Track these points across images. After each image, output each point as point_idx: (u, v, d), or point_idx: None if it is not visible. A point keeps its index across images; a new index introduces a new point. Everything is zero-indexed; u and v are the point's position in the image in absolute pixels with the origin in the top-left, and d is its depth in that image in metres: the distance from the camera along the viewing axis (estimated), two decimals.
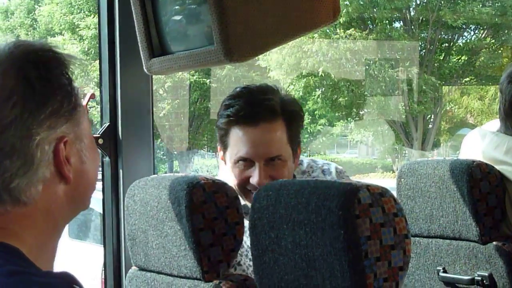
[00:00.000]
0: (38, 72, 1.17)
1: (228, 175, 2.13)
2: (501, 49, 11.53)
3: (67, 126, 1.19)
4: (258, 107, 2.05)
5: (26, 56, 1.18)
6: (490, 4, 10.93)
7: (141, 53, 2.00)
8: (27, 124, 1.14)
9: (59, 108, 1.17)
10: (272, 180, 1.99)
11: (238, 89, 2.13)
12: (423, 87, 11.56)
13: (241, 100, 2.06)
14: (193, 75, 12.22)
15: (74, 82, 1.21)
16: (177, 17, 1.92)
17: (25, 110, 1.14)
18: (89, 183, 1.27)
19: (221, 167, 2.25)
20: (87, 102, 2.03)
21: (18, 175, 1.13)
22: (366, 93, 11.50)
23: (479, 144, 2.42)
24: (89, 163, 1.25)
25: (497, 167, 2.25)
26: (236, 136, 2.08)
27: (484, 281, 2.19)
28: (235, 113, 2.04)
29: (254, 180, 2.04)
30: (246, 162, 2.06)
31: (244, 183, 2.09)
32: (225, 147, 2.12)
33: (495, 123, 2.47)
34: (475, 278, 2.20)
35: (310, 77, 11.19)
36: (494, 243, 2.19)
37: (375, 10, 11.01)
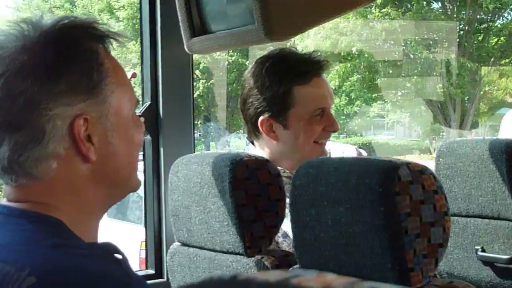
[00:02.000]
0: (55, 48, 1.15)
1: (290, 138, 2.07)
2: None
3: (88, 104, 1.16)
4: (320, 61, 2.06)
5: (51, 32, 1.16)
6: None
7: (182, 32, 2.04)
8: (37, 98, 1.12)
9: (77, 84, 1.15)
10: None
11: (273, 55, 2.08)
12: (456, 74, 11.38)
13: (295, 60, 2.05)
14: (231, 56, 12.11)
15: (106, 59, 1.18)
16: (219, 0, 1.95)
17: (35, 84, 1.12)
18: (120, 165, 1.23)
19: (250, 145, 2.22)
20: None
21: (27, 148, 1.12)
22: (403, 74, 11.19)
23: None
24: (120, 143, 1.21)
25: None
26: (305, 91, 2.05)
27: None
28: (303, 70, 2.03)
29: (333, 126, 2.07)
30: (321, 112, 2.05)
31: (320, 135, 2.08)
32: (287, 108, 2.05)
33: None
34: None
35: (346, 63, 10.96)
36: None
37: None
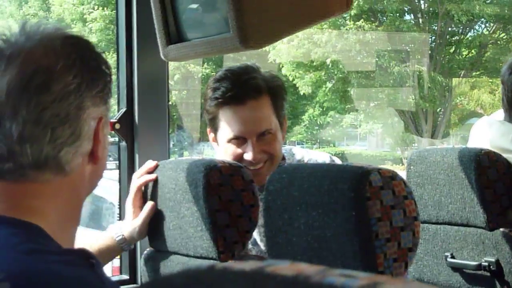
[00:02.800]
0: (90, 54, 1.23)
1: (221, 156, 2.18)
2: (510, 43, 11.60)
3: (104, 109, 1.24)
4: (244, 87, 2.10)
5: (77, 39, 1.24)
6: (494, 0, 11.02)
7: (158, 40, 2.05)
8: (83, 96, 1.18)
9: (103, 89, 1.23)
10: (265, 154, 2.12)
11: (221, 72, 2.18)
12: (429, 85, 11.72)
13: (227, 82, 2.11)
14: (205, 68, 12.33)
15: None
16: (194, 5, 1.95)
17: (83, 82, 1.18)
18: (103, 169, 1.30)
19: (216, 150, 2.29)
20: None
21: (67, 143, 1.17)
22: (375, 85, 11.56)
23: (486, 132, 2.44)
24: (107, 149, 1.29)
25: (504, 155, 2.27)
26: (226, 116, 2.13)
27: (491, 267, 2.20)
28: (222, 95, 2.09)
29: (248, 156, 2.10)
30: (239, 140, 2.10)
31: (238, 160, 2.13)
32: (215, 129, 2.17)
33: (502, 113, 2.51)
34: (482, 263, 2.22)
35: (320, 71, 11.24)
36: (501, 229, 2.21)
37: (385, 2, 10.96)
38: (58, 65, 1.19)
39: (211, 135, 2.23)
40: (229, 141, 2.13)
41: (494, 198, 2.21)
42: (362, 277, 0.46)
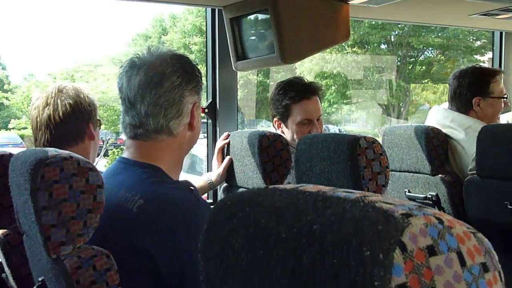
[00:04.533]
0: (188, 63, 1.44)
1: (290, 135, 2.40)
2: (447, 62, 15.63)
3: (197, 98, 1.45)
4: (309, 88, 2.37)
5: (179, 56, 1.45)
6: (439, 35, 14.71)
7: (231, 57, 2.42)
8: (183, 89, 1.40)
9: (196, 85, 1.43)
10: (319, 130, 2.40)
11: (284, 82, 2.40)
12: (395, 89, 15.13)
13: (296, 87, 2.36)
14: (259, 77, 15.28)
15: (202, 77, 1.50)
16: (253, 37, 2.28)
17: (183, 81, 1.40)
18: (198, 136, 1.49)
19: (277, 131, 2.46)
20: None
21: (174, 117, 1.39)
22: (363, 88, 15.71)
23: (435, 115, 2.76)
24: (200, 123, 1.49)
25: (444, 130, 2.58)
26: (299, 107, 2.36)
27: (433, 198, 2.54)
28: (296, 94, 2.35)
29: (315, 131, 2.37)
30: (307, 121, 2.37)
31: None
32: (287, 117, 2.39)
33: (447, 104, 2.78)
34: (427, 196, 2.57)
35: (328, 79, 14.90)
36: (440, 175, 2.50)
37: (370, 36, 14.72)
38: (168, 70, 1.38)
39: (277, 123, 2.43)
40: (300, 123, 2.36)
41: (435, 156, 2.50)
42: (357, 192, 0.55)
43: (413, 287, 0.46)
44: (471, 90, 2.68)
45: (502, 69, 3.62)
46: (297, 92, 2.36)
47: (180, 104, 1.39)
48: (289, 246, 0.53)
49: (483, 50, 15.63)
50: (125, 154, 1.43)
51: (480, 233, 0.53)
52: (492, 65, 3.76)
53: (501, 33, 3.59)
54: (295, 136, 2.39)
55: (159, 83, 1.36)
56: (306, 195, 0.57)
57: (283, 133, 2.42)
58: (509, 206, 2.29)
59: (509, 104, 2.84)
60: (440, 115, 2.73)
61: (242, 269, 0.59)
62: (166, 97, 1.36)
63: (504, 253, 2.41)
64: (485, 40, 15.32)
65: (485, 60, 14.91)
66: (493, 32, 3.63)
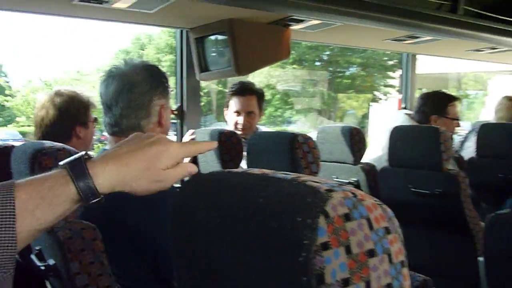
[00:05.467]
0: (158, 73, 1.40)
1: (230, 125, 2.46)
2: (367, 77, 16.09)
3: (164, 100, 1.40)
4: (245, 87, 2.47)
5: (149, 66, 1.41)
6: (361, 55, 15.11)
7: (195, 70, 2.45)
8: (152, 94, 1.37)
9: (163, 90, 1.39)
10: (247, 123, 2.45)
11: (236, 83, 2.52)
12: (326, 97, 15.68)
13: (237, 85, 2.48)
14: (218, 85, 15.22)
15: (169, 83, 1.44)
16: (214, 54, 2.29)
17: (152, 86, 1.37)
18: (167, 132, 1.45)
19: (227, 122, 2.52)
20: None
21: (144, 118, 1.36)
22: (301, 97, 16.12)
23: (400, 119, 2.79)
24: (167, 123, 1.44)
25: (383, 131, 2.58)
26: (234, 100, 2.46)
27: (355, 183, 2.56)
28: (234, 90, 2.46)
29: (240, 121, 2.46)
30: (237, 113, 2.44)
31: (235, 124, 2.48)
32: (227, 107, 2.49)
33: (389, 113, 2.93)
34: (350, 181, 2.60)
35: (273, 89, 15.33)
36: (360, 165, 2.57)
37: (306, 55, 15.22)
38: (138, 78, 1.35)
39: (225, 112, 2.51)
40: (233, 113, 2.46)
41: (357, 149, 2.55)
42: (292, 174, 0.55)
43: (333, 244, 0.48)
44: (431, 109, 2.72)
45: (409, 83, 3.71)
46: (236, 88, 2.48)
47: (149, 107, 1.36)
48: (240, 215, 0.54)
49: (394, 68, 16.12)
50: (107, 147, 1.40)
51: (385, 205, 0.54)
52: (400, 80, 3.84)
53: (407, 54, 3.69)
54: (231, 124, 2.45)
55: (130, 89, 1.33)
56: (253, 176, 0.57)
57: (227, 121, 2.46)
58: (411, 189, 2.35)
59: (460, 125, 2.88)
60: (406, 121, 2.79)
61: (203, 235, 0.59)
62: (137, 101, 1.34)
63: (407, 224, 2.55)
64: (396, 60, 15.99)
65: (396, 76, 15.38)
66: (402, 54, 3.71)
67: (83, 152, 0.74)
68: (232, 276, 0.55)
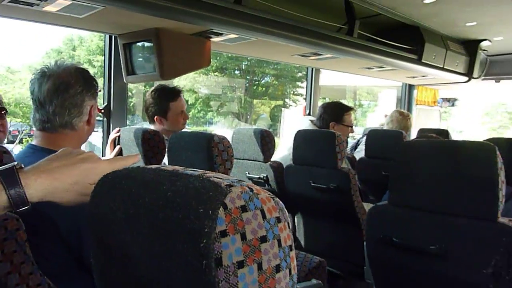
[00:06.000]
0: (88, 76, 1.36)
1: (174, 124, 2.27)
2: (279, 86, 16.28)
3: (94, 101, 1.38)
4: (177, 91, 2.27)
5: (81, 69, 1.37)
6: (275, 67, 15.25)
7: (123, 73, 2.34)
8: (83, 95, 1.34)
9: (93, 92, 1.37)
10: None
11: (158, 87, 2.28)
12: (244, 102, 15.60)
13: (168, 90, 2.26)
14: (144, 87, 14.71)
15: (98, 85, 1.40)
16: (140, 59, 2.21)
17: (84, 88, 1.33)
18: (93, 129, 1.42)
19: (158, 124, 2.31)
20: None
21: (76, 116, 1.33)
22: (221, 101, 15.96)
23: (305, 124, 2.85)
24: (93, 122, 1.40)
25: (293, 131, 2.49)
26: (175, 104, 2.26)
27: (264, 178, 2.48)
28: (171, 94, 2.23)
29: (186, 119, 2.30)
30: (183, 112, 2.28)
31: (183, 122, 2.32)
32: (166, 111, 2.26)
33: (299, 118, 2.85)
34: (261, 176, 2.51)
35: (196, 94, 14.95)
36: (269, 162, 2.50)
37: (227, 64, 15.20)
38: (72, 80, 1.32)
39: (157, 118, 2.27)
40: (180, 113, 2.27)
41: (267, 149, 2.50)
42: (199, 171, 0.56)
43: (230, 232, 0.49)
44: (330, 116, 2.81)
45: (313, 93, 3.84)
46: (174, 93, 2.29)
47: (81, 107, 1.33)
48: (151, 207, 0.54)
49: (303, 79, 16.64)
50: (34, 142, 1.34)
51: (277, 198, 0.56)
52: (306, 90, 3.96)
53: (312, 68, 3.81)
54: (177, 124, 2.29)
55: (65, 90, 1.30)
56: (165, 172, 0.57)
57: (164, 125, 2.29)
58: (312, 184, 2.41)
59: (354, 131, 2.99)
60: (309, 126, 2.86)
61: (118, 224, 0.58)
62: (70, 100, 1.31)
63: (307, 214, 2.57)
64: (304, 72, 16.46)
65: (304, 86, 15.99)
66: (307, 68, 3.83)
67: (15, 162, 0.73)
68: (144, 262, 0.55)
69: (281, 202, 0.56)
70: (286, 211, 0.57)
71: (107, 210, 0.60)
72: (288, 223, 0.56)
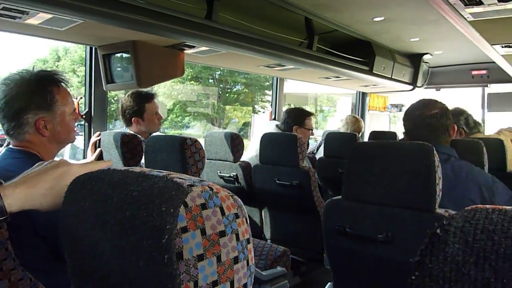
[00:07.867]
0: (36, 87, 1.20)
1: (149, 125, 2.22)
2: (249, 94, 16.21)
3: (45, 113, 1.22)
4: (152, 95, 2.24)
5: (33, 77, 1.21)
6: (245, 76, 15.14)
7: (102, 81, 2.28)
8: (25, 108, 1.21)
9: (40, 105, 1.22)
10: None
11: (133, 92, 2.27)
12: (217, 108, 15.49)
13: (143, 94, 2.23)
14: (123, 94, 14.23)
15: (56, 93, 1.22)
16: (119, 69, 2.17)
17: (26, 102, 1.20)
18: (63, 136, 1.27)
19: (136, 125, 2.26)
20: (78, 101, 2.07)
21: (19, 128, 1.22)
22: (197, 106, 15.74)
23: (271, 128, 2.83)
24: (61, 129, 1.25)
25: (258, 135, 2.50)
26: (150, 106, 2.23)
27: (234, 176, 2.47)
28: (146, 97, 2.22)
29: (160, 119, 2.23)
30: (157, 113, 2.23)
31: (158, 123, 2.26)
32: (142, 113, 2.22)
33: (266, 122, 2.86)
34: (231, 175, 2.50)
35: (175, 100, 14.69)
36: (238, 162, 2.50)
37: (202, 74, 15.04)
38: (20, 91, 1.19)
39: (135, 119, 2.22)
40: (155, 114, 2.22)
41: (236, 150, 2.49)
42: (165, 172, 0.54)
43: (190, 228, 0.48)
44: (293, 121, 2.81)
45: (278, 100, 3.85)
46: (148, 96, 2.25)
47: (23, 119, 1.23)
48: (119, 206, 0.52)
49: (270, 88, 16.69)
50: (12, 144, 1.27)
51: (236, 195, 0.56)
52: (271, 97, 3.97)
53: (277, 78, 3.82)
54: (153, 124, 2.23)
55: (10, 101, 1.20)
56: (133, 173, 0.55)
57: (141, 125, 2.22)
58: (277, 181, 2.42)
59: (314, 134, 3.01)
60: (275, 130, 2.84)
61: (88, 222, 0.57)
62: (10, 112, 1.20)
63: (273, 208, 2.57)
64: (271, 81, 16.51)
65: (271, 93, 16.04)
66: (273, 77, 3.84)
67: None
68: (112, 256, 0.54)
69: (239, 200, 0.56)
70: (243, 207, 0.56)
71: (78, 209, 0.58)
72: (246, 219, 0.55)
